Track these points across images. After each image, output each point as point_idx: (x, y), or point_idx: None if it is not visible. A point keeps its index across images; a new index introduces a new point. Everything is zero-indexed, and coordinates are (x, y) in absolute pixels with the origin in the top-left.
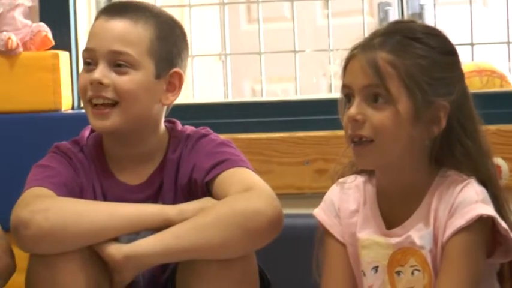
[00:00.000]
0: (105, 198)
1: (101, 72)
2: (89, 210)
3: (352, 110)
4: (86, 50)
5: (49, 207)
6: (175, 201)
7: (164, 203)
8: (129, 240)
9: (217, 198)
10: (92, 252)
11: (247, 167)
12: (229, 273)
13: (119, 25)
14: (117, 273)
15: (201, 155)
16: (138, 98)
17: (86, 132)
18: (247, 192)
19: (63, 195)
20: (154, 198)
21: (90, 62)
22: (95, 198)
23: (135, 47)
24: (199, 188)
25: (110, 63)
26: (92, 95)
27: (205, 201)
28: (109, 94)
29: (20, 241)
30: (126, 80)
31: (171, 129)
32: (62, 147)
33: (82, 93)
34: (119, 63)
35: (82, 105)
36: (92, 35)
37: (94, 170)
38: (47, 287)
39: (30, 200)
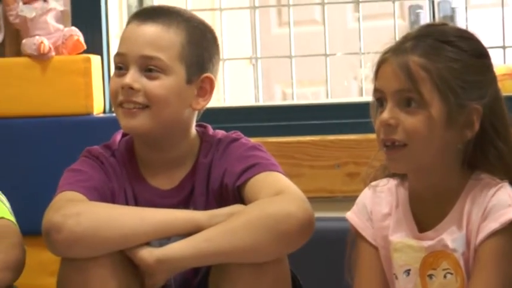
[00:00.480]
0: (136, 202)
1: (132, 77)
2: (120, 215)
3: (385, 115)
4: (118, 55)
5: (81, 212)
6: (206, 205)
7: (196, 207)
8: (160, 245)
9: (249, 202)
10: (123, 256)
11: (278, 171)
12: (261, 277)
13: (151, 30)
14: (149, 276)
15: (232, 159)
16: (169, 103)
17: (118, 137)
18: (278, 195)
19: (95, 199)
20: (185, 203)
21: (122, 67)
22: (126, 202)
23: (166, 52)
24: (231, 192)
25: (141, 68)
26: (123, 100)
27: (236, 208)
28: (140, 99)
29: (51, 245)
30: (157, 85)
31: (202, 134)
32: (94, 151)
33: (113, 97)
34: (150, 68)
35: (113, 109)
36: (123, 39)
37: (125, 174)
38: (78, 280)
39: (62, 204)
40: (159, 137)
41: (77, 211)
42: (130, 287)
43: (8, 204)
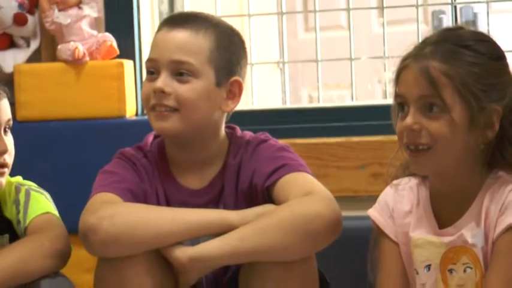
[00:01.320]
0: (168, 202)
1: (164, 81)
2: (153, 216)
3: (409, 120)
4: (149, 60)
5: (115, 214)
6: (236, 205)
7: (225, 207)
8: (192, 244)
9: (278, 202)
10: (157, 254)
11: (306, 172)
12: (290, 275)
13: (180, 35)
14: (182, 274)
15: (261, 160)
16: (199, 106)
17: (150, 138)
18: (307, 196)
19: (128, 200)
20: (215, 203)
21: (153, 72)
22: (158, 202)
23: (196, 56)
24: (260, 192)
25: (172, 72)
26: (155, 103)
27: (267, 208)
28: (171, 102)
29: (88, 246)
30: (188, 89)
31: (231, 135)
32: (127, 153)
33: (145, 101)
34: (181, 72)
35: (145, 112)
36: (154, 45)
37: (157, 175)
38: (114, 278)
39: (97, 206)
40: (190, 138)
41: (111, 213)
42: (165, 285)
43: (51, 200)
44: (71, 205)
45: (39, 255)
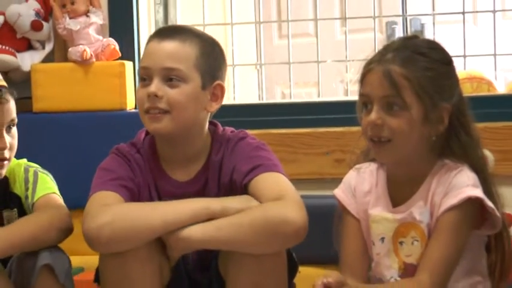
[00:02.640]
0: (158, 192)
1: (156, 86)
2: (147, 214)
3: (373, 116)
4: (143, 68)
5: (114, 219)
6: (218, 195)
7: (209, 196)
8: None
9: (254, 197)
10: (156, 242)
11: (278, 171)
12: (261, 265)
13: (170, 45)
14: (169, 250)
15: (240, 158)
16: (187, 107)
17: (142, 135)
18: (280, 200)
19: (124, 195)
20: (200, 193)
21: (146, 78)
22: (150, 194)
23: (184, 63)
24: (239, 187)
25: (163, 78)
26: (149, 106)
27: (246, 200)
28: (163, 105)
29: (93, 248)
30: (178, 92)
31: (213, 132)
32: (122, 149)
33: (140, 104)
34: (171, 77)
35: (140, 115)
36: (146, 55)
37: (149, 168)
38: (118, 273)
39: (96, 211)
40: (179, 136)
41: (110, 219)
42: (163, 268)
43: (55, 182)
44: (76, 183)
45: (47, 229)
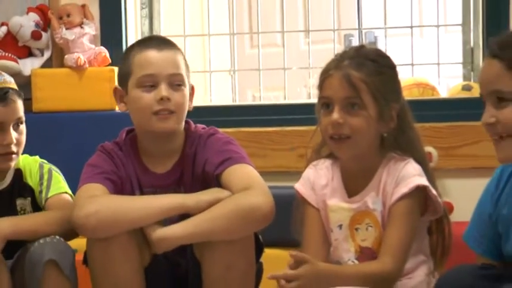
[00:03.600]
0: (140, 184)
1: (167, 90)
2: (128, 206)
3: (335, 116)
4: (149, 76)
5: (99, 210)
6: (193, 186)
7: (185, 187)
8: (165, 224)
9: (225, 187)
10: (136, 230)
11: (247, 163)
12: (232, 247)
13: (170, 55)
14: (152, 247)
15: (212, 152)
16: (185, 108)
17: (123, 135)
18: (248, 190)
19: (108, 186)
20: (177, 184)
21: (152, 85)
22: (131, 186)
23: (181, 70)
24: (211, 178)
25: (169, 83)
26: (161, 109)
27: (217, 192)
28: (172, 107)
29: (81, 233)
30: (181, 95)
31: (187, 129)
32: (106, 147)
33: (148, 108)
34: (177, 83)
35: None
36: (149, 64)
37: (131, 163)
38: (102, 256)
39: (84, 202)
40: (172, 133)
41: (95, 209)
42: (143, 254)
43: (65, 181)
44: (72, 175)
45: (55, 224)
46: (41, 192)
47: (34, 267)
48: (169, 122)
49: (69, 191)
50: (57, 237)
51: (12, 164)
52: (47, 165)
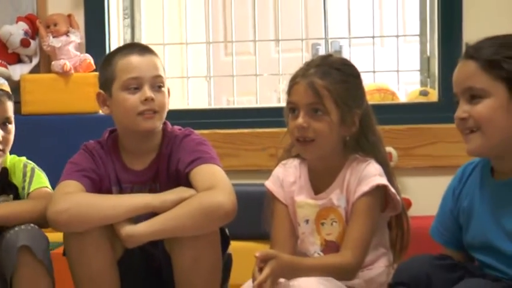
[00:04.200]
0: (118, 180)
1: (151, 92)
2: (98, 204)
3: (300, 120)
4: (133, 78)
5: (70, 207)
6: (168, 182)
7: (160, 184)
8: (136, 221)
9: (192, 185)
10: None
11: (215, 163)
12: (199, 242)
13: (152, 59)
14: (123, 243)
15: (184, 151)
16: (167, 107)
17: (106, 134)
18: (213, 189)
19: (86, 184)
20: (153, 180)
21: (137, 87)
22: (110, 182)
23: (161, 72)
24: (183, 175)
25: (152, 85)
26: (146, 109)
27: (181, 191)
28: (156, 107)
29: (54, 228)
30: (163, 96)
31: (164, 129)
32: (89, 145)
33: (133, 109)
34: (158, 84)
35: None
36: (131, 68)
37: (111, 160)
38: (76, 248)
39: (58, 198)
40: (152, 132)
41: (67, 207)
42: (115, 247)
43: (47, 179)
44: (57, 174)
45: (30, 212)
46: (23, 188)
47: (9, 253)
48: (153, 121)
49: (50, 187)
50: (32, 225)
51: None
52: (30, 165)
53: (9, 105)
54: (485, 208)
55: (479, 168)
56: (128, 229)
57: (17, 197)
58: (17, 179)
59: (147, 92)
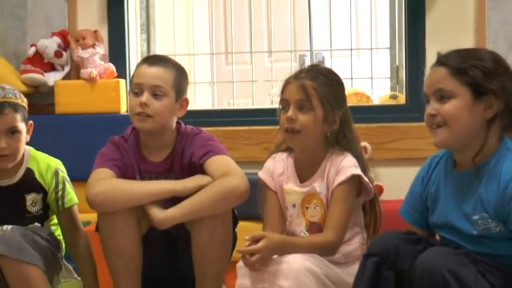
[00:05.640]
0: (139, 170)
1: (147, 97)
2: (129, 188)
3: (290, 113)
4: (136, 84)
5: (104, 190)
6: (181, 173)
7: (175, 174)
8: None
9: (208, 173)
10: (136, 206)
11: (225, 154)
12: (215, 219)
13: (156, 70)
14: (156, 226)
15: (197, 146)
16: (164, 114)
17: (129, 131)
18: (227, 175)
19: (115, 171)
20: (168, 171)
21: (138, 92)
22: (133, 171)
23: (165, 83)
24: (197, 166)
25: (151, 93)
26: (140, 111)
27: (199, 178)
28: (149, 111)
29: (91, 208)
30: (160, 104)
31: (178, 129)
32: (114, 140)
33: (132, 109)
34: (156, 93)
35: (131, 117)
36: (138, 75)
37: (132, 154)
38: (108, 225)
39: (94, 183)
40: (156, 132)
41: (102, 189)
42: (141, 225)
43: (72, 187)
44: (85, 164)
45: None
46: (56, 200)
47: None
48: (145, 124)
49: (76, 201)
50: (8, 228)
51: (9, 164)
52: (62, 174)
53: (16, 116)
54: (448, 194)
55: (443, 160)
56: (161, 214)
57: (45, 197)
58: (46, 183)
59: (144, 97)
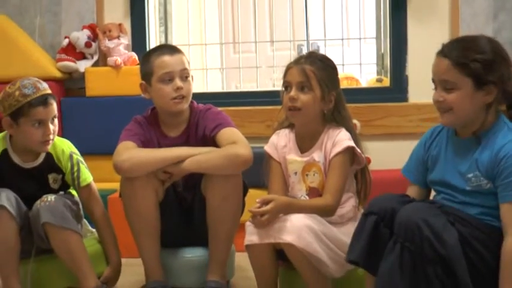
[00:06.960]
0: (159, 144)
1: (180, 82)
2: (152, 155)
3: (292, 93)
4: (166, 73)
5: (131, 157)
6: (196, 145)
7: (191, 146)
8: None
9: (219, 144)
10: (154, 172)
11: (233, 126)
12: (227, 183)
13: (180, 57)
14: (173, 176)
15: (208, 120)
16: (191, 92)
17: (149, 111)
18: (234, 143)
19: (138, 143)
20: (184, 144)
21: (169, 79)
22: (154, 145)
23: (187, 65)
24: (209, 139)
25: (181, 77)
26: (178, 95)
27: (211, 148)
28: (184, 93)
29: (118, 173)
30: (189, 84)
31: (191, 107)
32: (137, 118)
33: (168, 96)
34: (186, 76)
35: (164, 102)
36: (166, 64)
37: (153, 130)
38: (129, 190)
39: (121, 151)
40: (184, 110)
41: (129, 157)
42: (158, 190)
43: (87, 167)
44: (112, 137)
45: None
46: (73, 180)
47: (37, 227)
48: (182, 104)
49: (91, 178)
50: (52, 198)
51: (49, 147)
52: (76, 156)
53: (55, 105)
54: (448, 157)
55: (445, 129)
56: (175, 165)
57: (63, 177)
58: (63, 166)
59: (178, 82)
